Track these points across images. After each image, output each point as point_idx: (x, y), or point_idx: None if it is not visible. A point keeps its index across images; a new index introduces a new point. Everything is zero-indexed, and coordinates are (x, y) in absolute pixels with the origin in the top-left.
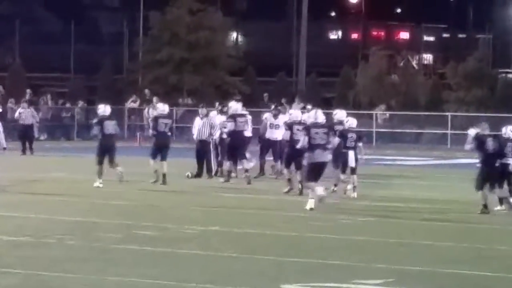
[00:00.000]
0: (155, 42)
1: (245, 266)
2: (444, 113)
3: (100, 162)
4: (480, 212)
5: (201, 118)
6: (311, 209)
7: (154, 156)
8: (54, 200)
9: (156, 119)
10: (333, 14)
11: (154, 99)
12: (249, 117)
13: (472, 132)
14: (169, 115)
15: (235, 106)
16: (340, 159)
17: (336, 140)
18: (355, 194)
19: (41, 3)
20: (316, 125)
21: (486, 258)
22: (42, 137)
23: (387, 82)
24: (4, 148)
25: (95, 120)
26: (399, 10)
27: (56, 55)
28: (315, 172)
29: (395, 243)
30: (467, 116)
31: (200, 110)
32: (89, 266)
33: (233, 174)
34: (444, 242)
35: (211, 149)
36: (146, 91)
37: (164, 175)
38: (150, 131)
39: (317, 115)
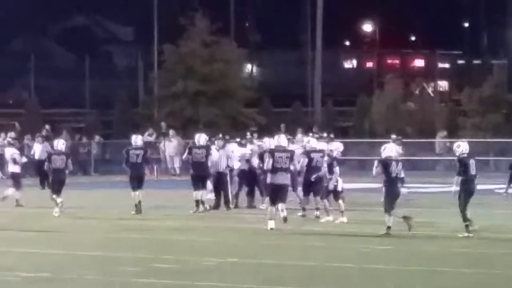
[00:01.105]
0: (169, 75)
1: None
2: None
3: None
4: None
5: (218, 150)
6: (271, 229)
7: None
8: (73, 235)
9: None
10: (347, 43)
11: (171, 132)
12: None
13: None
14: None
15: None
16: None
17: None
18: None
19: (55, 39)
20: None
21: None
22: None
23: (403, 109)
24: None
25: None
26: (413, 38)
27: (71, 90)
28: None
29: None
30: (484, 142)
31: (216, 142)
32: None
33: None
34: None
35: (228, 180)
36: (162, 124)
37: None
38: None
39: (280, 140)
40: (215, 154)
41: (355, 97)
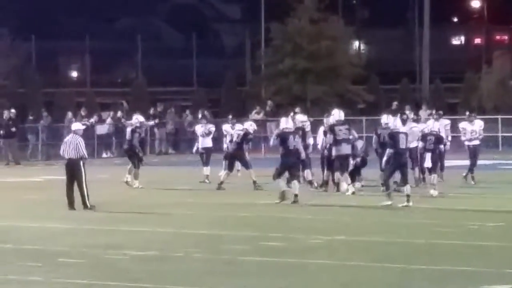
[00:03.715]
0: (277, 53)
1: (373, 275)
2: None
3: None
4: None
5: (325, 127)
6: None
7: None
8: (181, 213)
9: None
10: (455, 19)
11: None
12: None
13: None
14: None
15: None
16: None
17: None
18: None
19: (162, 18)
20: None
21: None
22: (170, 151)
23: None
24: None
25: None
26: None
27: (179, 69)
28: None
29: None
30: None
31: (325, 120)
32: (216, 278)
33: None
34: None
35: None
36: (269, 102)
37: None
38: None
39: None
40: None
41: (463, 74)
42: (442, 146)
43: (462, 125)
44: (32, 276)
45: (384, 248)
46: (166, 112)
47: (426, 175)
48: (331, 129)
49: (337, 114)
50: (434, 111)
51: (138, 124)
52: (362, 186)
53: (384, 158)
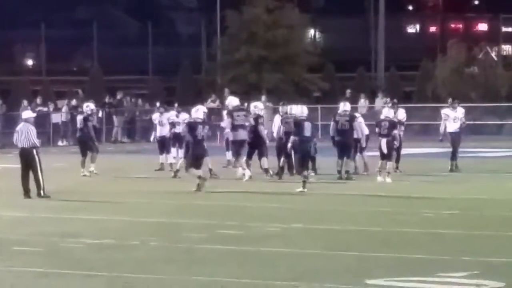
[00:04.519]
0: (233, 42)
1: (330, 263)
2: None
3: None
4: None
5: (281, 116)
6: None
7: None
8: (136, 201)
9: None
10: (410, 8)
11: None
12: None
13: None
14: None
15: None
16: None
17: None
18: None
19: (118, 7)
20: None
21: None
22: (124, 140)
23: (467, 74)
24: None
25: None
26: (476, 2)
27: (134, 57)
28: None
29: (479, 235)
30: None
31: (280, 108)
32: (174, 266)
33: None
34: None
35: None
36: (226, 90)
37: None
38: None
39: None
40: (277, 120)
41: (419, 62)
42: (396, 132)
43: (445, 111)
44: None
45: (340, 236)
46: (123, 100)
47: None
48: (230, 114)
49: (233, 101)
50: (388, 99)
51: (89, 112)
52: (316, 174)
53: (288, 145)
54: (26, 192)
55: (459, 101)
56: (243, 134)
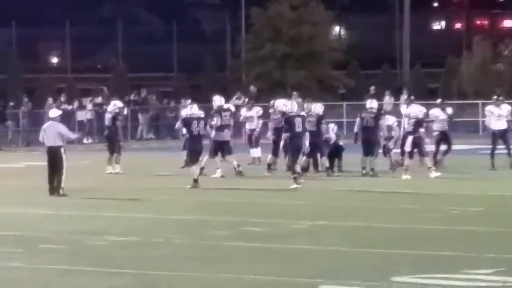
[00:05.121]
0: (257, 39)
1: (355, 260)
2: None
3: None
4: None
5: (306, 113)
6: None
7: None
8: (161, 199)
9: None
10: (435, 4)
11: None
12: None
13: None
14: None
15: None
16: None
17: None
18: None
19: (142, 4)
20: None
21: None
22: (149, 136)
23: (492, 71)
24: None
25: None
26: None
27: (159, 54)
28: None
29: (505, 232)
30: None
31: (305, 105)
32: (198, 264)
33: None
34: None
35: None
36: (252, 87)
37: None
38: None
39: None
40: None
41: (444, 59)
42: (423, 130)
43: (489, 108)
44: (13, 262)
45: (365, 233)
46: (148, 98)
47: (404, 158)
48: (219, 113)
49: (218, 100)
50: (406, 96)
51: (117, 110)
52: (341, 171)
53: (281, 143)
54: (52, 190)
55: (504, 98)
56: (227, 135)
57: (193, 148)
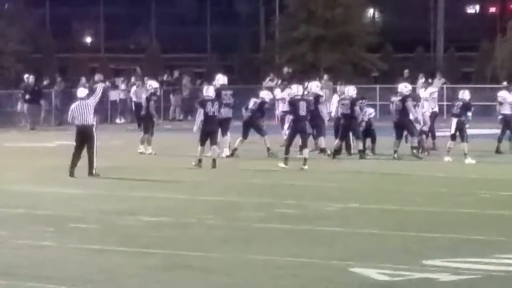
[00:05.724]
0: (291, 20)
1: (386, 243)
2: None
3: None
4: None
5: (339, 96)
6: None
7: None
8: (194, 180)
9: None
10: None
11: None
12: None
13: None
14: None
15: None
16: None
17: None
18: None
19: None
20: None
21: None
22: (180, 117)
23: None
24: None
25: None
26: None
27: (192, 35)
28: None
29: None
30: None
31: (338, 88)
32: (229, 245)
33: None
34: None
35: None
36: (285, 69)
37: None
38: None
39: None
40: (335, 99)
41: (478, 43)
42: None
43: (502, 94)
44: (44, 241)
45: (396, 216)
46: (181, 78)
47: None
48: (218, 93)
49: (221, 79)
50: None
51: (152, 91)
52: (374, 153)
53: (286, 125)
54: (72, 168)
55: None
56: (227, 112)
57: (205, 129)
